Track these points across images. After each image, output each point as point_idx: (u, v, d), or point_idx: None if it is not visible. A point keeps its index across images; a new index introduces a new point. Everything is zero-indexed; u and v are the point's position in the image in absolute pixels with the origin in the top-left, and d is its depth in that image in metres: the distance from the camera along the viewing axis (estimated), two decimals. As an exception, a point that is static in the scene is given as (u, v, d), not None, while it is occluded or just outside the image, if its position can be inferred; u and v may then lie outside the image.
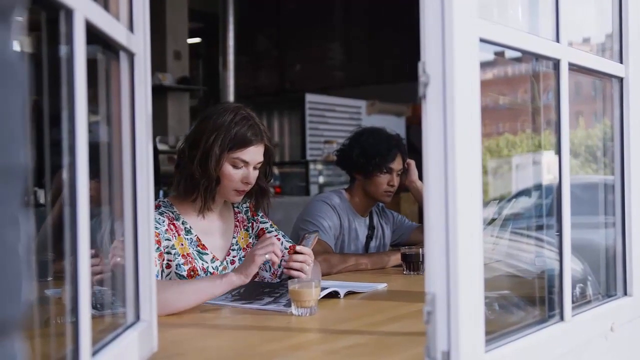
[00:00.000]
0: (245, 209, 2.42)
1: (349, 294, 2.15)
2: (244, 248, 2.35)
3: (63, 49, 1.00)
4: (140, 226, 1.37)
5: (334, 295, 2.08)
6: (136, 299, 1.36)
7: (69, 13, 0.98)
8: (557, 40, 1.50)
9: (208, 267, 2.22)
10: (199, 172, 2.16)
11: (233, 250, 2.32)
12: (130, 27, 1.34)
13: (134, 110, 1.35)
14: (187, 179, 2.19)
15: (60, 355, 1.06)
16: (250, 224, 2.41)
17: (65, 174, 1.02)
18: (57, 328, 1.41)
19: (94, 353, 1.08)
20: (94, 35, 1.10)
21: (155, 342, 1.42)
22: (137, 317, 1.36)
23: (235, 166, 2.19)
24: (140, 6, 1.36)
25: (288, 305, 1.88)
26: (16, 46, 0.55)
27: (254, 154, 2.20)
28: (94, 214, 1.09)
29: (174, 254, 2.14)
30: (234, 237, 2.34)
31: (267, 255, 1.98)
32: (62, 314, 1.48)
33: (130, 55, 1.34)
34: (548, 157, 1.92)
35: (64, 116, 1.00)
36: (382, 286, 2.32)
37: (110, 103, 1.35)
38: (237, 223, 2.37)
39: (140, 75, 1.36)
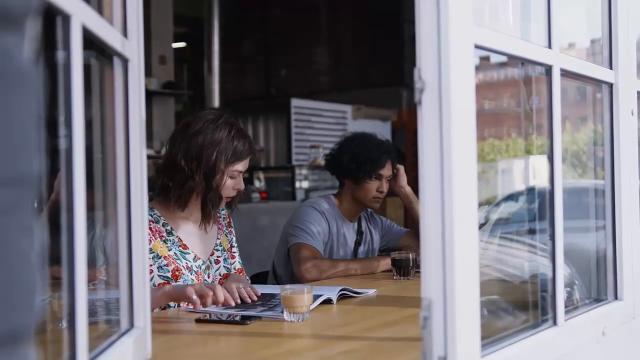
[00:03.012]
0: (223, 216, 2.49)
1: (342, 297, 2.15)
2: (227, 249, 2.43)
3: (59, 54, 1.00)
4: (134, 233, 1.36)
5: (326, 301, 2.08)
6: (130, 306, 1.35)
7: (66, 19, 0.98)
8: (549, 46, 1.51)
9: (192, 265, 2.26)
10: (203, 187, 2.22)
11: (217, 250, 2.39)
12: (125, 33, 1.33)
13: (128, 116, 1.35)
14: (186, 192, 2.23)
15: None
16: (229, 231, 2.50)
17: (57, 179, 1.01)
18: (49, 335, 1.40)
19: (90, 361, 1.07)
20: (88, 41, 1.10)
21: (149, 350, 1.41)
22: (132, 324, 1.35)
23: (232, 177, 2.27)
24: (134, 12, 1.36)
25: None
26: (29, 54, 0.55)
27: (247, 163, 2.31)
28: (86, 219, 1.08)
29: (153, 257, 2.17)
30: (218, 238, 2.41)
31: (194, 297, 1.89)
32: (53, 321, 1.47)
33: (125, 61, 1.33)
34: (534, 162, 1.93)
35: (60, 121, 1.00)
36: (372, 292, 2.32)
37: (104, 108, 1.34)
38: (220, 225, 2.45)
39: (134, 81, 1.35)
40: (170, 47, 8.03)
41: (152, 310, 2.01)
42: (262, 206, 6.37)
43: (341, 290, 2.16)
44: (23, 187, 0.53)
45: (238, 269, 2.44)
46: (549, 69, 1.51)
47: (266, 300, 2.11)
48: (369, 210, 3.17)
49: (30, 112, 0.54)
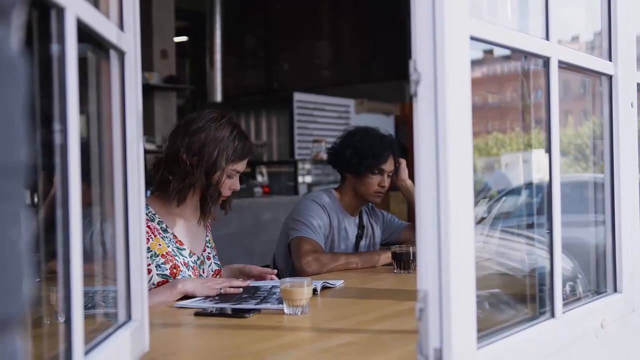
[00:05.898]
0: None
1: (324, 289, 2.19)
2: (214, 247, 2.47)
3: (54, 48, 1.00)
4: (131, 226, 1.36)
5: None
6: (127, 299, 1.35)
7: (60, 11, 0.98)
8: (547, 38, 1.50)
9: (188, 261, 2.29)
10: (203, 183, 2.25)
11: (208, 247, 2.43)
12: (121, 26, 1.33)
13: (125, 109, 1.35)
14: (185, 186, 2.25)
15: (52, 355, 1.06)
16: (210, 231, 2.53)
17: (56, 175, 1.01)
18: (46, 328, 1.40)
19: (86, 352, 1.08)
20: (84, 34, 1.10)
21: (146, 342, 1.41)
22: (129, 317, 1.35)
23: (229, 176, 2.29)
24: (130, 4, 1.36)
25: (280, 302, 1.88)
26: (16, 45, 0.55)
27: (245, 164, 2.34)
28: (84, 215, 1.09)
29: (151, 256, 2.19)
30: (207, 236, 2.45)
31: (222, 290, 2.11)
32: (50, 315, 1.48)
33: (121, 54, 1.33)
34: (537, 156, 1.93)
35: (55, 115, 1.00)
36: (340, 282, 2.35)
37: (100, 102, 1.34)
38: (208, 224, 2.47)
39: (130, 74, 1.35)
40: (172, 42, 8.02)
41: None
42: (264, 201, 6.37)
43: (322, 285, 2.20)
44: (10, 176, 0.53)
45: (215, 269, 2.45)
46: (546, 61, 1.51)
47: (253, 293, 2.11)
48: (370, 204, 3.17)
49: (17, 103, 0.54)
